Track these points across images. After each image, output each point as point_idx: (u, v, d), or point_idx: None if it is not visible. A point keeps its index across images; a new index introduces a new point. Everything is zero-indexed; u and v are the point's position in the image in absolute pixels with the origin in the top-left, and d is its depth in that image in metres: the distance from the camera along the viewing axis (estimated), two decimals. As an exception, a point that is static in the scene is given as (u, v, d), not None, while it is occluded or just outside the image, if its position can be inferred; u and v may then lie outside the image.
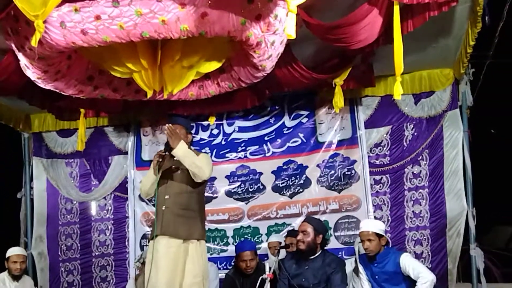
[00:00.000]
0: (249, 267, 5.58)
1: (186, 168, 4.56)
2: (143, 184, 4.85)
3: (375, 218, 6.24)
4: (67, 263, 7.20)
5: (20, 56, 4.33)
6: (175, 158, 4.66)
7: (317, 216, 6.16)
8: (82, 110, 6.23)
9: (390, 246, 5.94)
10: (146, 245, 6.47)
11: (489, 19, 4.69)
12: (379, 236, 4.93)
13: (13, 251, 6.07)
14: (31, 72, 4.47)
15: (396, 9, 4.05)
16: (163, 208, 4.58)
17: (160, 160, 4.61)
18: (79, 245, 7.21)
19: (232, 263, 6.13)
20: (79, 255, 7.19)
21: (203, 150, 6.71)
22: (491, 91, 7.00)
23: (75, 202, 7.26)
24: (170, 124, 4.58)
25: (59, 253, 7.24)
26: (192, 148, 4.82)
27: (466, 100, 6.18)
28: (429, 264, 6.10)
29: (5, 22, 4.11)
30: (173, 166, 4.67)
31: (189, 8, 3.77)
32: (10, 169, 7.57)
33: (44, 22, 3.48)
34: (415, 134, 6.34)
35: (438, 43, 5.45)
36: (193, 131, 6.80)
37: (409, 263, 4.82)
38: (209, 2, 3.75)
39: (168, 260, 4.43)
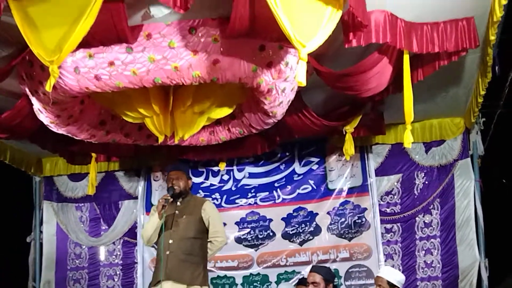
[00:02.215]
0: None
1: (190, 214, 4.64)
2: (145, 230, 4.80)
3: (386, 267, 6.16)
4: (75, 308, 7.14)
5: (33, 100, 4.39)
6: (177, 204, 4.70)
7: (327, 265, 6.08)
8: (93, 155, 6.27)
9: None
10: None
11: (499, 69, 4.72)
12: (391, 285, 4.84)
13: None
14: (44, 117, 4.53)
15: (406, 58, 4.09)
16: (167, 253, 4.55)
17: (166, 205, 4.62)
18: (87, 290, 7.15)
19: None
20: (87, 300, 7.13)
21: (213, 196, 6.72)
22: (502, 141, 6.98)
23: (84, 246, 7.23)
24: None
25: (67, 298, 7.18)
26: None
27: (477, 149, 6.17)
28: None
29: (20, 67, 4.20)
30: (177, 212, 4.67)
31: (201, 55, 3.83)
32: (20, 213, 7.57)
33: (59, 67, 3.53)
34: (426, 182, 6.30)
35: (448, 92, 5.47)
36: (203, 177, 6.83)
37: None
38: (221, 49, 3.81)
39: None
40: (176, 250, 4.55)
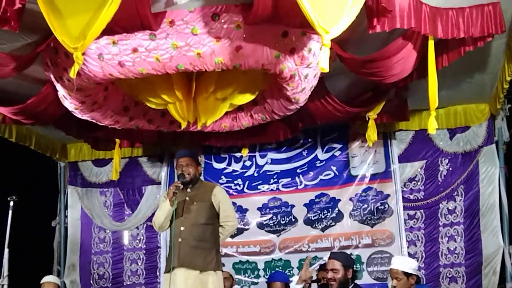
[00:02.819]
0: None
1: (201, 200, 4.67)
2: (156, 217, 4.82)
3: (409, 254, 6.13)
4: (99, 292, 7.25)
5: (58, 87, 4.44)
6: (188, 190, 4.73)
7: (349, 251, 6.10)
8: (117, 141, 6.33)
9: (424, 282, 5.84)
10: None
11: (526, 55, 4.65)
12: (407, 274, 4.82)
13: (46, 278, 6.11)
14: (69, 103, 4.57)
15: (431, 43, 4.05)
16: (179, 240, 4.58)
17: (177, 192, 4.65)
18: (111, 274, 7.24)
19: (264, 295, 6.09)
20: (110, 284, 7.22)
21: (235, 182, 6.76)
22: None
23: (108, 231, 7.33)
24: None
25: (91, 281, 7.27)
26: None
27: (502, 136, 6.09)
28: (465, 302, 5.96)
29: (45, 54, 4.24)
30: (187, 198, 4.70)
31: (224, 41, 3.83)
32: (46, 198, 7.67)
33: (83, 54, 3.55)
34: (450, 169, 6.26)
35: (474, 78, 5.41)
36: (225, 163, 6.86)
37: None
38: (244, 35, 3.81)
39: None
40: (187, 237, 4.58)
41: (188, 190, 4.75)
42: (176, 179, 4.75)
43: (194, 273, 4.51)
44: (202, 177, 6.55)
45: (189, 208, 4.68)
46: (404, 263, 4.93)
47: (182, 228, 4.62)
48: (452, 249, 6.17)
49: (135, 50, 3.91)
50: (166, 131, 5.69)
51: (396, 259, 5.04)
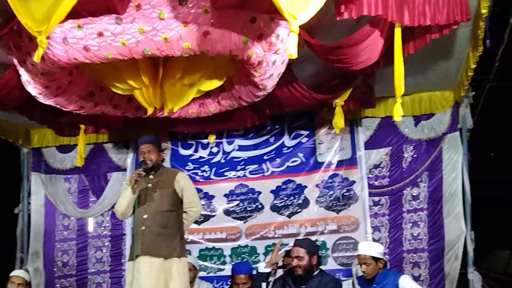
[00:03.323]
0: None
1: (164, 187, 4.66)
2: (119, 205, 4.81)
3: (374, 239, 6.20)
4: (63, 280, 7.14)
5: (21, 71, 4.35)
6: (150, 177, 4.72)
7: (315, 237, 6.16)
8: (82, 126, 6.22)
9: (388, 267, 5.93)
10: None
11: (490, 43, 4.71)
12: (376, 259, 4.91)
13: (14, 272, 6.13)
14: (32, 88, 4.48)
15: (398, 31, 4.07)
16: (143, 228, 4.59)
17: (139, 180, 4.61)
18: (75, 261, 7.16)
19: (229, 283, 6.10)
20: (75, 271, 7.14)
21: (202, 168, 6.74)
22: (491, 115, 7.02)
23: (72, 218, 7.23)
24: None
25: (55, 269, 7.18)
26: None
27: (466, 123, 6.18)
28: (426, 287, 6.05)
29: (8, 37, 4.14)
30: (150, 185, 4.67)
31: (192, 26, 3.79)
32: (8, 184, 7.55)
33: (47, 38, 3.48)
34: (415, 156, 6.32)
35: (439, 65, 5.47)
36: (192, 149, 6.82)
37: (408, 285, 4.80)
38: (212, 21, 3.77)
39: (150, 279, 4.45)
40: (151, 225, 4.58)
41: (151, 177, 4.74)
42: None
43: (158, 260, 4.51)
44: (169, 164, 6.56)
45: (152, 195, 4.67)
46: (372, 248, 5.03)
47: (145, 216, 4.61)
48: (415, 234, 6.25)
49: (100, 34, 3.84)
50: (132, 117, 5.62)
51: (363, 245, 5.12)
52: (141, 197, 4.67)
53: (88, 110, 5.10)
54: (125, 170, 7.01)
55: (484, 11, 4.11)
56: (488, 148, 8.55)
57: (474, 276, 5.92)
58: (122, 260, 6.92)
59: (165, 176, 4.82)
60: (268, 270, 5.45)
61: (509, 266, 9.91)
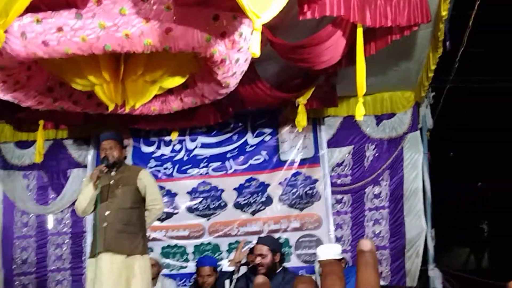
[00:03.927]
0: (205, 282, 5.56)
1: (126, 184, 4.63)
2: (79, 202, 4.76)
3: (336, 237, 6.27)
4: (22, 277, 7.00)
5: (-22, 65, 4.24)
6: (112, 174, 4.68)
7: (278, 234, 6.18)
8: (41, 122, 6.11)
9: (351, 265, 5.98)
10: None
11: (450, 44, 4.79)
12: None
13: None
14: (-11, 82, 4.38)
15: (359, 31, 4.09)
16: (105, 225, 4.53)
17: (100, 176, 4.57)
18: (35, 259, 7.02)
19: (192, 279, 6.07)
20: (34, 269, 7.00)
21: (164, 166, 6.69)
22: (451, 115, 7.14)
23: (31, 215, 7.09)
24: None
25: (14, 266, 7.04)
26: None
27: (426, 123, 6.29)
28: (388, 283, 6.13)
29: (-37, 31, 4.03)
30: (112, 182, 4.63)
31: (154, 23, 3.74)
32: (-35, 180, 7.37)
33: (5, 32, 3.40)
34: (376, 155, 6.41)
35: (400, 66, 5.54)
36: (155, 146, 6.77)
37: None
38: (174, 17, 3.74)
39: (112, 276, 4.39)
40: (113, 221, 4.53)
41: (113, 173, 4.70)
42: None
43: (120, 257, 4.46)
44: (130, 161, 6.50)
45: (114, 192, 4.62)
46: (331, 251, 4.99)
47: (107, 212, 4.56)
48: (377, 232, 6.34)
49: (60, 29, 3.76)
50: (92, 113, 5.54)
51: (322, 250, 5.06)
52: (103, 193, 4.61)
53: (47, 105, 5.00)
54: (85, 166, 6.91)
55: (444, 13, 4.19)
56: (448, 148, 8.71)
57: (434, 273, 6.04)
58: (83, 258, 6.82)
59: (128, 173, 4.78)
60: (231, 268, 5.45)
61: (468, 263, 10.12)
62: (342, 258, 5.00)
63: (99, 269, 4.41)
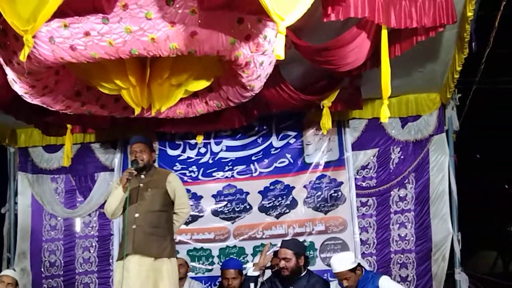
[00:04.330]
0: (231, 285, 5.55)
1: (156, 187, 4.66)
2: (108, 204, 4.80)
3: (361, 240, 6.25)
4: (50, 280, 7.11)
5: (7, 70, 4.30)
6: (142, 177, 4.72)
7: (303, 237, 6.17)
8: (69, 126, 6.20)
9: (376, 268, 5.96)
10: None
11: (476, 45, 4.75)
12: (353, 270, 4.89)
13: (5, 272, 6.11)
14: (19, 87, 4.45)
15: (384, 33, 4.09)
16: (134, 227, 4.58)
17: (130, 179, 4.61)
18: (62, 262, 7.13)
19: (217, 283, 6.09)
20: (62, 272, 7.11)
21: (190, 169, 6.73)
22: (477, 116, 7.07)
23: (59, 218, 7.20)
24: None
25: (42, 269, 7.16)
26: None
27: (452, 125, 6.23)
28: (414, 287, 6.09)
29: (-7, 36, 4.11)
30: (142, 185, 4.67)
31: (179, 26, 3.78)
32: (-5, 184, 7.51)
33: (33, 37, 3.46)
34: (402, 157, 6.36)
35: (425, 68, 5.50)
36: (180, 149, 6.81)
37: (387, 285, 4.81)
38: (199, 21, 3.77)
39: (140, 278, 4.43)
40: (142, 224, 4.57)
41: (142, 176, 4.74)
42: (129, 166, 4.72)
43: (148, 260, 4.50)
44: (156, 164, 6.54)
45: (143, 194, 4.66)
46: (345, 261, 4.95)
47: (136, 215, 4.60)
48: (402, 235, 6.29)
49: (87, 34, 3.82)
50: (119, 117, 5.60)
51: (336, 262, 4.99)
52: (132, 196, 4.65)
53: (74, 109, 5.07)
54: (112, 170, 7.00)
55: (470, 13, 4.15)
56: (474, 150, 8.61)
57: (461, 277, 5.97)
58: (110, 261, 6.90)
59: (157, 176, 4.82)
60: (256, 273, 5.45)
61: (495, 266, 9.99)
62: (358, 265, 4.95)
63: (126, 271, 4.45)
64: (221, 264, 6.16)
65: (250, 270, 5.58)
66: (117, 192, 4.70)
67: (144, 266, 4.48)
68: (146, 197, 4.67)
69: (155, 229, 4.60)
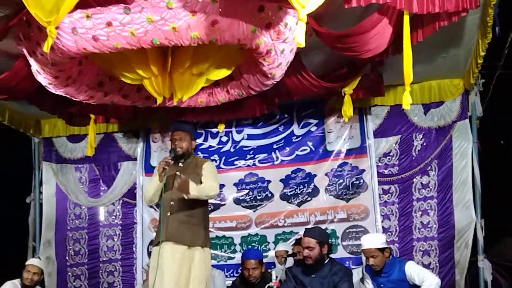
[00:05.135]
0: (251, 275, 5.59)
1: (191, 175, 4.61)
2: (147, 191, 4.86)
3: (383, 228, 6.22)
4: (75, 268, 7.23)
5: (31, 61, 4.37)
6: (179, 165, 4.72)
7: (324, 225, 6.17)
8: (92, 116, 6.27)
9: (398, 255, 5.94)
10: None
11: (499, 30, 4.68)
12: (381, 250, 4.92)
13: (31, 261, 6.19)
14: (42, 78, 4.51)
15: (406, 18, 4.05)
16: (168, 214, 4.60)
17: (166, 168, 4.62)
18: (87, 250, 7.24)
19: (239, 271, 6.13)
20: (86, 260, 7.22)
21: (211, 157, 6.73)
22: (501, 102, 6.97)
23: (83, 207, 7.30)
24: (181, 176, 4.55)
25: (67, 258, 7.28)
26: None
27: (476, 111, 6.17)
28: (436, 275, 6.05)
29: (17, 28, 4.16)
30: (177, 173, 4.67)
31: (200, 15, 3.80)
32: (20, 174, 7.61)
33: (56, 28, 3.51)
34: (424, 144, 6.32)
35: (448, 53, 5.45)
36: (202, 138, 6.84)
37: (414, 270, 4.84)
38: (220, 10, 3.78)
39: (173, 265, 4.45)
40: (177, 212, 4.59)
41: (180, 164, 4.75)
42: (163, 155, 4.71)
43: (182, 247, 4.52)
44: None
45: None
46: (375, 239, 5.03)
47: (171, 203, 4.63)
48: (425, 223, 6.26)
49: (109, 24, 3.86)
50: (141, 107, 5.65)
51: (366, 239, 5.12)
52: (168, 183, 4.66)
53: (97, 100, 5.13)
54: (135, 159, 7.06)
55: (493, -3, 4.10)
56: (498, 136, 8.50)
57: (484, 264, 5.92)
58: (133, 249, 7.00)
59: (193, 165, 4.81)
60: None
61: (519, 254, 9.87)
62: (387, 247, 4.98)
63: (161, 257, 4.47)
64: (242, 252, 6.19)
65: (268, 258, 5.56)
66: (154, 180, 4.72)
67: (177, 253, 4.50)
68: None
69: (189, 218, 4.61)
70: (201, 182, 4.64)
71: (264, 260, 5.94)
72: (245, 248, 6.47)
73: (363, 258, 5.45)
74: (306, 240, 5.09)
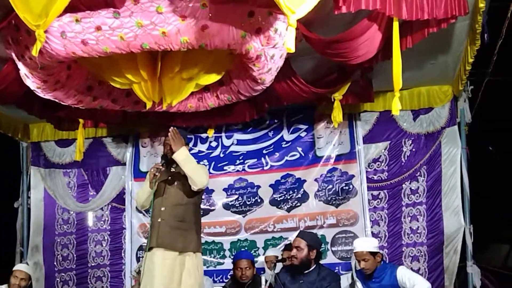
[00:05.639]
0: (244, 275, 5.57)
1: (182, 180, 4.57)
2: (138, 196, 4.83)
3: (372, 233, 6.23)
4: (63, 274, 7.18)
5: (20, 65, 4.35)
6: (171, 170, 4.68)
7: (314, 231, 6.16)
8: (81, 121, 6.24)
9: (387, 261, 5.95)
10: (142, 257, 6.45)
11: (488, 37, 4.71)
12: (373, 253, 4.94)
13: (18, 267, 6.12)
14: (31, 82, 4.49)
15: (396, 25, 4.07)
16: (159, 220, 4.55)
17: (157, 174, 4.60)
18: (75, 255, 7.19)
19: (229, 276, 6.12)
20: (75, 265, 7.17)
21: (201, 162, 6.69)
22: (490, 109, 7.01)
23: (72, 212, 7.25)
24: (174, 127, 4.55)
25: (55, 263, 7.23)
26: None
27: (465, 117, 6.19)
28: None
29: (6, 31, 4.15)
30: (169, 178, 4.65)
31: (190, 20, 3.80)
32: (8, 178, 7.56)
33: (45, 32, 3.50)
34: (413, 150, 6.33)
35: (437, 59, 5.47)
36: (191, 143, 6.81)
37: (405, 274, 4.86)
38: (210, 15, 3.78)
39: (164, 271, 4.41)
40: (168, 217, 4.55)
41: (172, 169, 4.71)
42: (153, 160, 4.68)
43: (172, 253, 4.47)
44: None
45: (170, 188, 4.63)
46: (367, 243, 5.06)
47: (162, 209, 4.59)
48: (414, 228, 6.26)
49: (98, 28, 3.85)
50: (131, 111, 5.63)
51: (358, 242, 5.15)
52: (160, 189, 4.64)
53: (86, 104, 5.11)
54: (124, 164, 7.03)
55: (481, 5, 4.12)
56: (487, 142, 8.54)
57: (473, 270, 5.93)
58: (122, 254, 6.96)
59: None
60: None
61: (508, 259, 9.93)
62: (378, 252, 5.00)
63: (151, 263, 4.44)
64: (232, 257, 6.17)
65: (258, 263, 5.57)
66: (146, 185, 4.70)
67: (168, 259, 4.45)
68: (172, 190, 4.63)
69: (181, 223, 4.56)
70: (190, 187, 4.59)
71: (255, 265, 5.92)
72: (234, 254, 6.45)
73: (353, 264, 5.45)
74: (297, 240, 5.11)
